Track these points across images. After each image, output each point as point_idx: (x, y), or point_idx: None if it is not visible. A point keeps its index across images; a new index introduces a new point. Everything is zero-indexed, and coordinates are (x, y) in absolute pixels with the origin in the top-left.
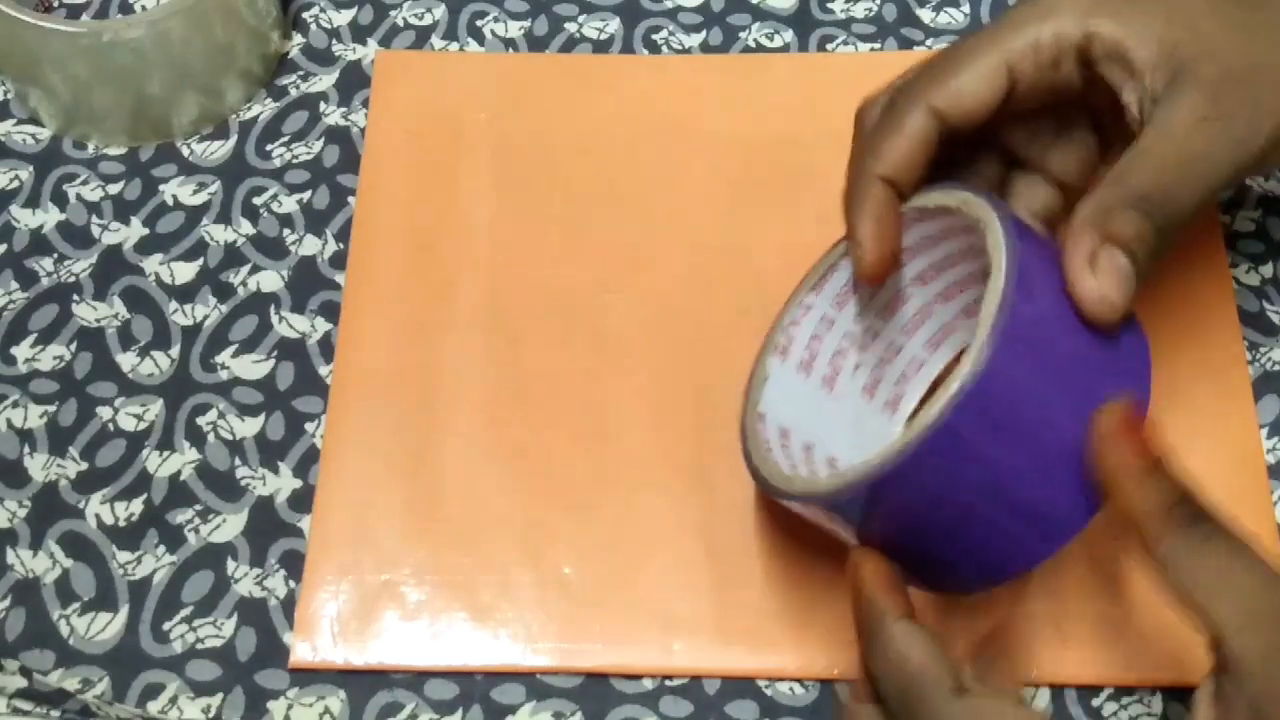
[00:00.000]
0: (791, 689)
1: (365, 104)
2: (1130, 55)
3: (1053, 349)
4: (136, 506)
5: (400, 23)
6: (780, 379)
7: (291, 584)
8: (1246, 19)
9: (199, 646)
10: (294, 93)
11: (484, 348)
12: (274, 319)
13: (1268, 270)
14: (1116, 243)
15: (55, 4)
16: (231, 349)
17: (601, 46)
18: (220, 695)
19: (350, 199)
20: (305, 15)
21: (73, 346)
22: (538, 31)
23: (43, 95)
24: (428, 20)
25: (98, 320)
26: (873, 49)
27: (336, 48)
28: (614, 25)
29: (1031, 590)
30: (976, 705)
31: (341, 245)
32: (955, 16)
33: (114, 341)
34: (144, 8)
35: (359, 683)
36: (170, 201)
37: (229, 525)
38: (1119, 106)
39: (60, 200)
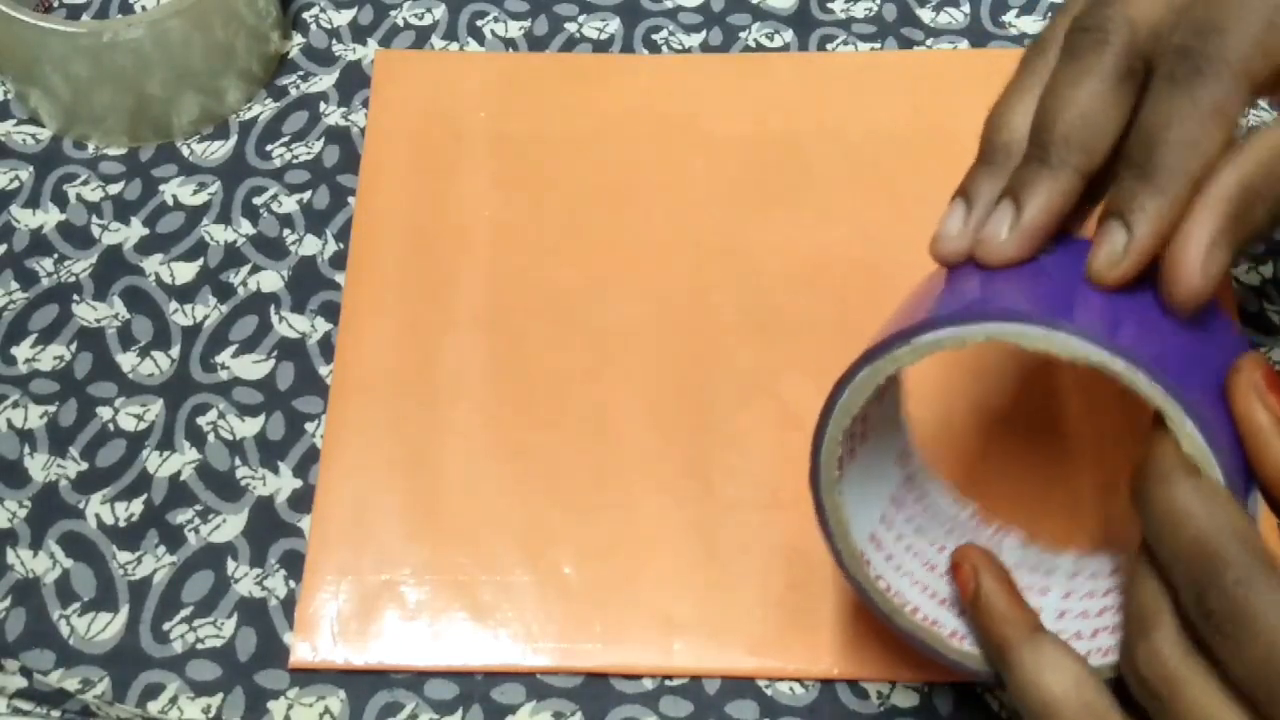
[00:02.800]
0: (791, 689)
1: (365, 104)
2: None
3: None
4: (136, 506)
5: (400, 23)
6: None
7: (291, 584)
8: None
9: (199, 646)
10: (294, 93)
11: (484, 348)
12: (274, 319)
13: (1268, 270)
14: None
15: (55, 4)
16: (231, 349)
17: (601, 46)
18: (220, 695)
19: (350, 199)
20: (305, 15)
21: (73, 346)
22: (538, 31)
23: (43, 95)
24: (428, 20)
25: (98, 320)
26: (873, 49)
27: (336, 48)
28: (614, 25)
29: None
30: None
31: (341, 245)
32: (955, 16)
33: (114, 341)
34: (144, 8)
35: (359, 683)
36: (170, 201)
37: (229, 525)
38: None
39: (60, 200)
